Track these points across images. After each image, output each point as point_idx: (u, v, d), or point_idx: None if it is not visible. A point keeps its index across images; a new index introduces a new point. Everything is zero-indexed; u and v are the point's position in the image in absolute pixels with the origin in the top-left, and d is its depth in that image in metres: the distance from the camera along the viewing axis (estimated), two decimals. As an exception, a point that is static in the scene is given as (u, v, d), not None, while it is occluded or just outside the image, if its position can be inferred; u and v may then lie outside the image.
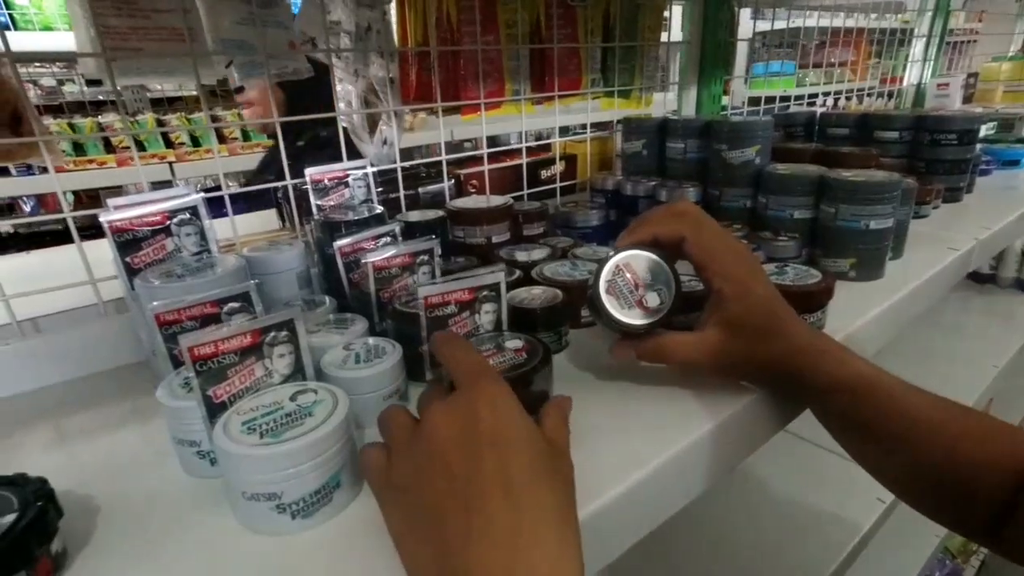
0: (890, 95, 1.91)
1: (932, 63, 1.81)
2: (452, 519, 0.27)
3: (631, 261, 0.42)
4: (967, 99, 1.86)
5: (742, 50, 1.25)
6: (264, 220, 0.86)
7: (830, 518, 0.88)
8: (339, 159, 0.62)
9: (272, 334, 0.37)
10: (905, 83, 1.88)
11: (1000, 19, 2.47)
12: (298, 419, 0.33)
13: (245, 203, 0.85)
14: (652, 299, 0.42)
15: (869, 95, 1.86)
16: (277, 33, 0.59)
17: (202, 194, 0.49)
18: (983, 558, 1.98)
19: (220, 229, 0.52)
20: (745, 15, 1.38)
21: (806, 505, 0.91)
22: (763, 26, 1.52)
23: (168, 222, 0.47)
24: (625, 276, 0.42)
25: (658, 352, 0.43)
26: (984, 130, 1.34)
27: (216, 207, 0.54)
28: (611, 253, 0.42)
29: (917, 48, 1.80)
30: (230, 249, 0.61)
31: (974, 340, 1.48)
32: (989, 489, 0.44)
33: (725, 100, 1.75)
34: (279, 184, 0.70)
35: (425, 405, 0.32)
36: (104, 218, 0.44)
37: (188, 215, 0.48)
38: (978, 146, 1.21)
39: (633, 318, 0.42)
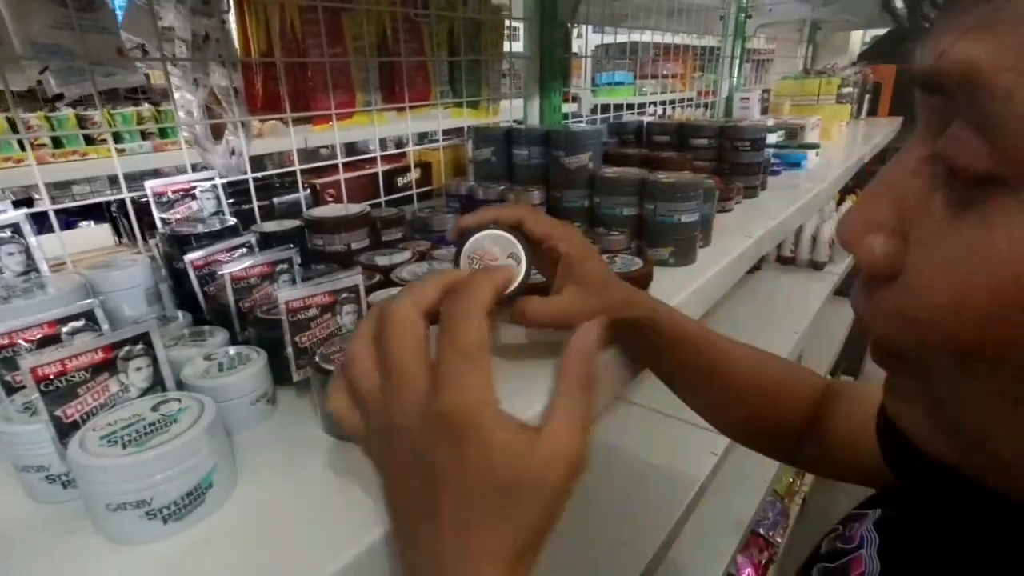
0: (707, 106, 2.19)
1: (736, 79, 2.12)
2: (417, 514, 0.28)
3: (484, 241, 0.45)
4: (764, 110, 2.20)
5: (590, 61, 1.38)
6: (93, 236, 0.80)
7: (670, 473, 1.01)
8: None
9: (127, 348, 0.36)
10: (718, 95, 2.17)
11: (788, 44, 2.95)
12: (163, 427, 0.33)
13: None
14: (511, 260, 0.44)
15: (692, 105, 2.13)
16: (100, 39, 0.56)
17: (25, 210, 0.46)
18: (804, 496, 2.36)
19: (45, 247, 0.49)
20: (591, 29, 1.52)
21: (648, 464, 1.04)
22: (604, 40, 1.68)
23: (-14, 242, 0.43)
24: (482, 255, 0.45)
25: (525, 314, 0.46)
26: (775, 138, 1.60)
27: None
28: (463, 238, 0.45)
29: (724, 66, 2.09)
30: (60, 268, 0.56)
31: (780, 311, 1.76)
32: (792, 417, 0.55)
33: (574, 107, 1.90)
34: (113, 198, 0.66)
35: (389, 365, 0.29)
36: (-95, 240, 0.40)
37: (10, 233, 0.44)
38: (771, 151, 1.45)
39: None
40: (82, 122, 1.98)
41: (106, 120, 2.01)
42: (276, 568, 0.31)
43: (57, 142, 1.96)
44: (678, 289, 0.70)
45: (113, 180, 2.77)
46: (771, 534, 2.00)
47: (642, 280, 0.62)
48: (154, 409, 0.35)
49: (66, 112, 1.96)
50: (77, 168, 2.03)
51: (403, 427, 0.28)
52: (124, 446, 0.32)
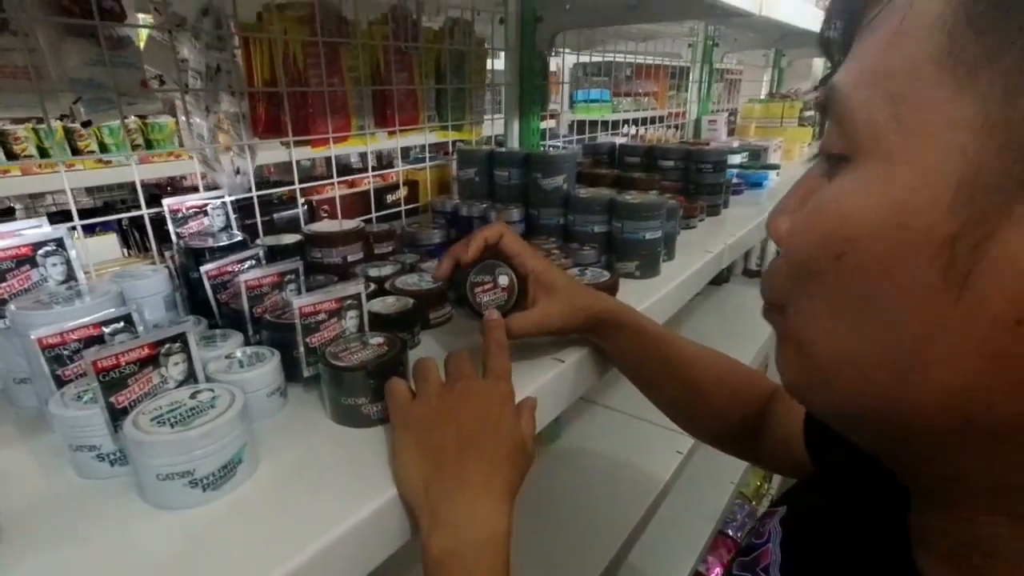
0: (678, 127, 2.31)
1: (704, 103, 2.24)
2: (448, 461, 0.41)
3: (485, 270, 0.56)
4: (731, 132, 2.32)
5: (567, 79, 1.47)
6: (104, 247, 0.85)
7: (636, 472, 1.09)
8: None
9: (167, 345, 0.43)
10: (688, 118, 2.29)
11: (756, 69, 3.09)
12: (202, 411, 0.40)
13: None
14: (504, 280, 0.57)
15: (664, 126, 2.24)
16: (127, 73, 0.62)
17: (67, 225, 0.52)
18: (772, 499, 2.45)
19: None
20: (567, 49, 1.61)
21: (614, 463, 1.12)
22: (582, 59, 1.78)
23: (34, 253, 0.49)
24: (485, 280, 0.56)
25: (512, 331, 0.55)
26: (739, 159, 1.71)
27: None
28: (470, 268, 0.56)
29: (693, 90, 2.21)
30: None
31: (747, 322, 1.86)
32: (746, 412, 0.63)
33: (552, 123, 1.99)
34: (126, 215, 0.72)
35: (460, 373, 0.47)
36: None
37: (54, 246, 0.50)
38: (734, 171, 1.55)
39: (502, 303, 0.57)
40: (69, 134, 2.00)
41: (93, 133, 2.04)
42: (295, 530, 0.38)
43: (44, 153, 1.99)
44: (642, 299, 0.78)
45: (90, 190, 2.78)
46: (739, 535, 2.09)
47: (608, 290, 0.69)
48: (192, 397, 0.42)
49: (54, 124, 1.99)
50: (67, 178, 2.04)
51: (461, 401, 0.44)
52: (172, 426, 0.38)
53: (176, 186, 2.59)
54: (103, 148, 2.13)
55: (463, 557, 0.37)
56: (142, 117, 2.22)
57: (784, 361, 0.30)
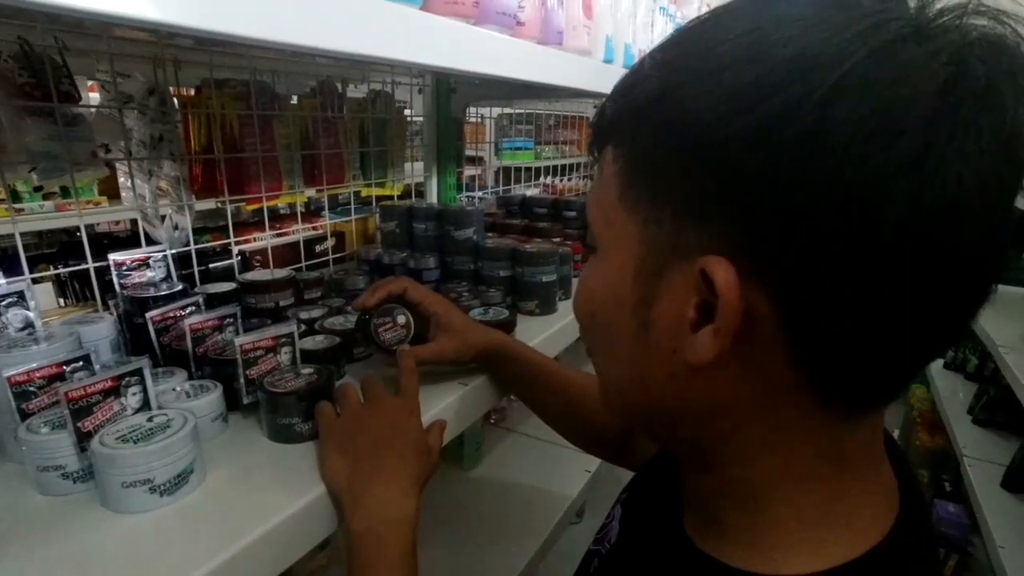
0: (591, 177, 2.54)
1: (610, 156, 2.49)
2: (366, 459, 0.52)
3: (384, 312, 0.68)
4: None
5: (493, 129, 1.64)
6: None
7: (548, 490, 1.21)
8: None
9: (127, 379, 0.51)
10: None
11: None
12: (160, 430, 0.49)
13: None
14: (401, 319, 0.69)
15: (578, 176, 2.46)
16: (80, 145, 0.71)
17: (27, 277, 0.59)
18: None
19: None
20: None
21: (529, 484, 1.23)
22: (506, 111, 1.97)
23: (-3, 305, 0.57)
24: (385, 321, 0.68)
25: (421, 356, 0.67)
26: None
27: None
28: (372, 312, 0.67)
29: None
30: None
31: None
32: (611, 426, 0.76)
33: (479, 171, 2.15)
34: (71, 269, 0.78)
35: (374, 393, 0.59)
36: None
37: (15, 298, 0.58)
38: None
39: (403, 338, 0.69)
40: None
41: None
42: (236, 524, 0.47)
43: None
44: (541, 332, 0.92)
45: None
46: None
47: (507, 326, 0.83)
48: (149, 420, 0.50)
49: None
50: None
51: (376, 414, 0.56)
52: (135, 442, 0.47)
53: (90, 232, 2.55)
54: (15, 197, 2.08)
55: (379, 532, 0.47)
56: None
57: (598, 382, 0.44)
